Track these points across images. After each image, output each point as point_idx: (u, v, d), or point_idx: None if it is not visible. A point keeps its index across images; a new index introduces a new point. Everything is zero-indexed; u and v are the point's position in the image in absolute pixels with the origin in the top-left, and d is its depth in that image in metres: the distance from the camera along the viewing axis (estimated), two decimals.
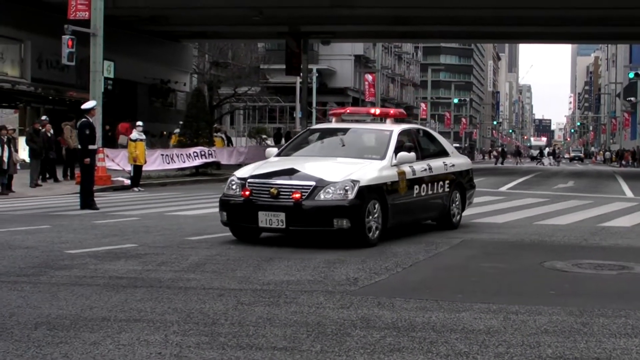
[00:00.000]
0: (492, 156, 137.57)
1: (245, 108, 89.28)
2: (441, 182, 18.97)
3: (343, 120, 19.85)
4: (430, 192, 18.43)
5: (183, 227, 19.12)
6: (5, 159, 29.76)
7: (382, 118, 19.56)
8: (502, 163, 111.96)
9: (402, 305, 10.56)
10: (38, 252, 14.76)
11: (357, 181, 15.86)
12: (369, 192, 16.03)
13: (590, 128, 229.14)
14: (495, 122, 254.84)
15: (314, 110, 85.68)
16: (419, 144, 18.84)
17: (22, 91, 51.57)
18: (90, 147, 24.41)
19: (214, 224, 18.59)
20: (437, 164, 18.99)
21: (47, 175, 36.97)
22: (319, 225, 15.75)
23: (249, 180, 16.34)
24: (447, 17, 57.74)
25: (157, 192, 33.46)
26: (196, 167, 43.82)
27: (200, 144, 44.37)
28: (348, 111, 20.61)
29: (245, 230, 16.66)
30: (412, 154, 17.53)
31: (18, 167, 32.59)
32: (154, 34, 63.69)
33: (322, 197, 15.68)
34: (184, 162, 42.22)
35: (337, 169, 16.47)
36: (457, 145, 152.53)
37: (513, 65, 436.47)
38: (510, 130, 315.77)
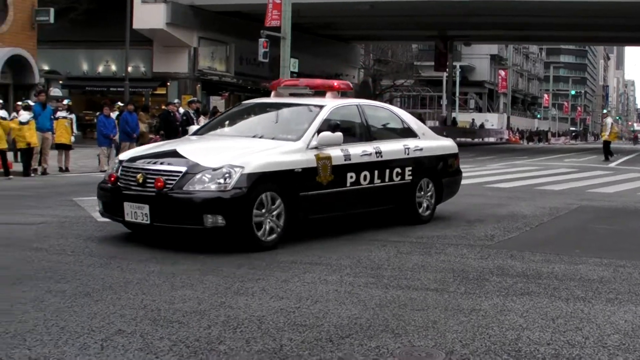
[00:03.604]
0: None
1: (401, 97, 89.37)
2: (398, 169, 12.98)
3: (280, 94, 13.80)
4: (378, 181, 12.54)
5: None
6: None
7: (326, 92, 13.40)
8: None
9: (530, 257, 10.41)
10: None
11: (241, 167, 10.36)
12: (261, 181, 10.49)
13: None
14: (605, 110, 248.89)
15: (456, 99, 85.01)
16: (365, 123, 12.92)
17: (227, 82, 52.94)
18: None
19: None
20: (392, 147, 13.00)
21: None
22: (187, 221, 10.28)
23: (124, 163, 11.21)
24: (565, 24, 56.80)
25: None
26: None
27: None
28: (283, 84, 14.07)
29: (128, 225, 11.31)
30: (337, 135, 11.65)
31: None
32: (329, 37, 63.85)
33: (192, 186, 10.26)
34: None
35: (226, 151, 11.06)
36: (573, 128, 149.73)
37: (620, 64, 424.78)
38: (618, 117, 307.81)
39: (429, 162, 13.79)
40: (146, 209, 10.44)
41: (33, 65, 41.44)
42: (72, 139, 26.92)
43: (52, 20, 42.00)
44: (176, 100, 31.95)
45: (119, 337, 6.34)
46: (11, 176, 22.18)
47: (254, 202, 10.40)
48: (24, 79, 41.32)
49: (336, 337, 6.47)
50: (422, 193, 13.61)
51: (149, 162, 10.87)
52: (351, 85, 14.32)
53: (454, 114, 76.02)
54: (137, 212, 10.56)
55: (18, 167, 23.63)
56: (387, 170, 12.75)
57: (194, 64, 49.59)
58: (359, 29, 63.48)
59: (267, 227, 10.60)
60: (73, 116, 28.51)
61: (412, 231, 12.50)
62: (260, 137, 11.90)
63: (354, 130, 12.76)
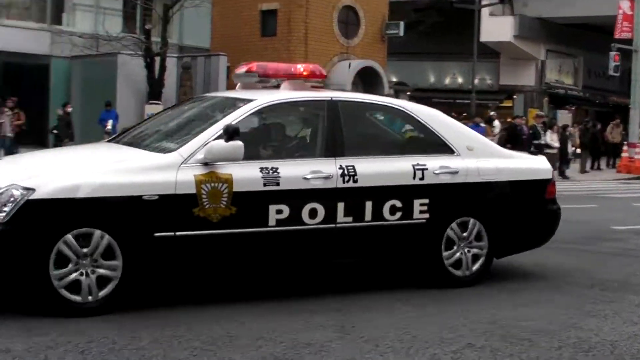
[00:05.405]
0: None
1: None
2: (397, 202, 8.23)
3: (248, 86, 9.28)
4: (346, 219, 8.02)
5: None
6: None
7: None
8: None
9: None
10: (587, 226, 14.59)
11: (31, 190, 6.84)
12: (68, 212, 6.92)
13: None
14: None
15: None
16: (336, 129, 8.25)
17: (574, 96, 52.48)
18: None
19: None
20: (384, 168, 8.35)
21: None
22: None
23: None
24: None
25: None
26: None
27: None
28: (236, 71, 9.32)
29: None
30: (233, 145, 7.40)
31: (571, 156, 32.22)
32: None
33: None
34: None
35: (35, 165, 7.76)
36: None
37: None
38: None
39: (473, 193, 8.85)
40: None
41: (382, 77, 42.93)
42: None
43: (401, 33, 43.30)
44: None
45: (469, 351, 6.39)
46: None
47: (54, 244, 6.89)
48: (374, 89, 42.80)
49: None
50: (457, 240, 8.75)
51: None
52: (323, 71, 9.38)
53: None
54: None
55: None
56: (370, 203, 8.19)
57: (541, 77, 49.40)
58: None
59: (85, 283, 7.02)
60: None
61: None
62: (145, 146, 8.12)
63: (307, 140, 8.79)
